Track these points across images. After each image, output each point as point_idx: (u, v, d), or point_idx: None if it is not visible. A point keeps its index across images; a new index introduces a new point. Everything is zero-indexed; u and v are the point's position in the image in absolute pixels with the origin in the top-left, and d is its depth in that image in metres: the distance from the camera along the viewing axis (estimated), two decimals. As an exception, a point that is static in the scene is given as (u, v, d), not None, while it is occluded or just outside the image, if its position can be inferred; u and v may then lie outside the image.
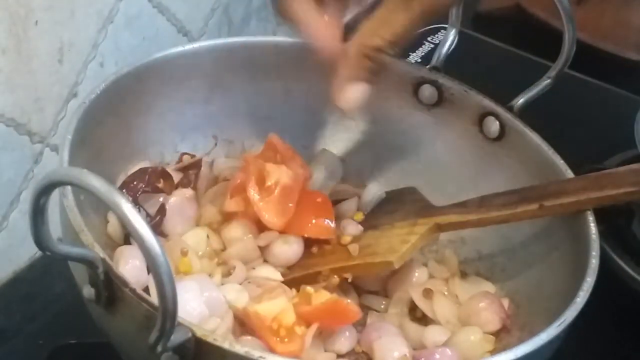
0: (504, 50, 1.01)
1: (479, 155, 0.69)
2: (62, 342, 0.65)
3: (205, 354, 0.45)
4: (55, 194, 0.42)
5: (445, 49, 0.70)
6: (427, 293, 0.63)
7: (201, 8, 0.85)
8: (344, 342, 0.59)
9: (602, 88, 0.97)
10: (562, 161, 0.63)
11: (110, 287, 0.47)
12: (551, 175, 0.63)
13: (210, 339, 0.45)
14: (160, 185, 0.64)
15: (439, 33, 0.98)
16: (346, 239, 0.65)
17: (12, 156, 0.68)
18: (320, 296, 0.57)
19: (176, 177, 0.66)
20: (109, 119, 0.61)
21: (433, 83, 0.69)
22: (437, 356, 0.57)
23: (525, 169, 0.65)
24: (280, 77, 0.70)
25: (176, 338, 0.43)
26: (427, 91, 0.70)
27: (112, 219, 0.61)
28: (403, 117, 0.71)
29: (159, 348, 0.43)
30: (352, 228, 0.66)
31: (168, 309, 0.41)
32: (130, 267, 0.55)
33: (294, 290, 0.60)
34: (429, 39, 0.98)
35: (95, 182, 0.40)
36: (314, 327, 0.56)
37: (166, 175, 0.65)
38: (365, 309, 0.64)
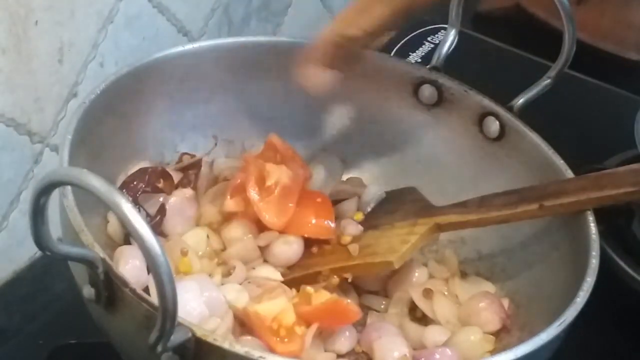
0: (504, 50, 1.01)
1: (479, 155, 0.69)
2: (62, 342, 0.65)
3: (205, 354, 0.45)
4: (55, 194, 0.42)
5: (445, 49, 0.70)
6: (427, 293, 0.63)
7: (201, 8, 0.85)
8: (344, 342, 0.59)
9: (602, 88, 0.97)
10: (562, 161, 0.63)
11: (110, 287, 0.47)
12: (551, 175, 0.63)
13: (210, 339, 0.45)
14: (160, 185, 0.64)
15: (439, 33, 0.98)
16: (346, 239, 0.65)
17: (12, 156, 0.68)
18: (320, 296, 0.57)
19: (176, 177, 0.66)
20: (109, 119, 0.61)
21: (433, 83, 0.69)
22: (437, 356, 0.57)
23: (525, 169, 0.65)
24: (280, 77, 0.70)
25: (176, 338, 0.43)
26: (427, 91, 0.70)
27: (112, 219, 0.61)
28: (403, 117, 0.71)
29: (159, 348, 0.43)
30: (352, 228, 0.66)
31: (168, 309, 0.41)
32: (130, 267, 0.55)
33: (294, 290, 0.60)
34: (429, 39, 0.98)
35: (95, 182, 0.40)
36: (314, 327, 0.56)
37: (166, 175, 0.65)
38: (365, 309, 0.64)
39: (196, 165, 0.68)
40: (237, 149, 0.72)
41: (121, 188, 0.62)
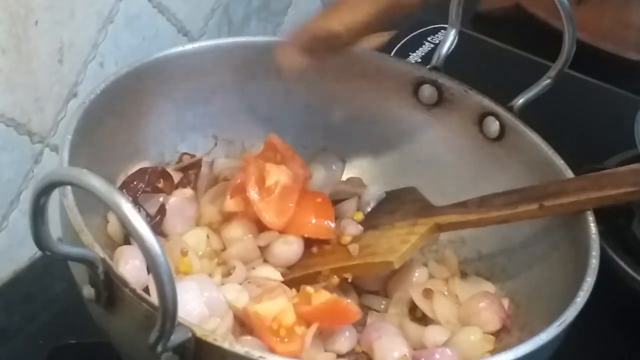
0: (504, 50, 1.01)
1: (479, 155, 0.69)
2: (62, 342, 0.65)
3: (205, 354, 0.45)
4: (55, 194, 0.42)
5: (445, 49, 0.70)
6: (427, 293, 0.63)
7: (201, 8, 0.85)
8: (344, 342, 0.59)
9: (602, 88, 0.97)
10: (562, 161, 0.63)
11: (110, 287, 0.47)
12: (551, 175, 0.63)
13: (210, 339, 0.45)
14: (160, 185, 0.64)
15: (439, 33, 0.98)
16: (346, 239, 0.65)
17: (12, 156, 0.68)
18: (320, 296, 0.57)
19: (176, 177, 0.66)
20: (109, 119, 0.61)
21: (433, 83, 0.69)
22: (437, 356, 0.57)
23: (525, 169, 0.65)
24: (280, 77, 0.70)
25: (176, 338, 0.43)
26: (427, 91, 0.70)
27: (112, 219, 0.61)
28: (403, 117, 0.71)
29: (159, 348, 0.43)
30: (352, 228, 0.66)
31: (168, 309, 0.41)
32: (130, 267, 0.55)
33: (294, 290, 0.60)
34: (429, 39, 0.98)
35: (95, 182, 0.40)
36: (314, 327, 0.56)
37: (166, 175, 0.65)
38: (365, 309, 0.64)
39: (196, 165, 0.68)
40: (237, 149, 0.72)
41: (121, 188, 0.62)
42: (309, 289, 0.58)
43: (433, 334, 0.60)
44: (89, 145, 0.59)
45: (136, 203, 0.62)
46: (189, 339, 0.44)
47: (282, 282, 0.62)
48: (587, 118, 0.92)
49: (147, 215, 0.63)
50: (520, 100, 0.67)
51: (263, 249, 0.63)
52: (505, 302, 0.63)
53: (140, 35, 0.77)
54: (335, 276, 0.62)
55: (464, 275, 0.67)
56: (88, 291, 0.48)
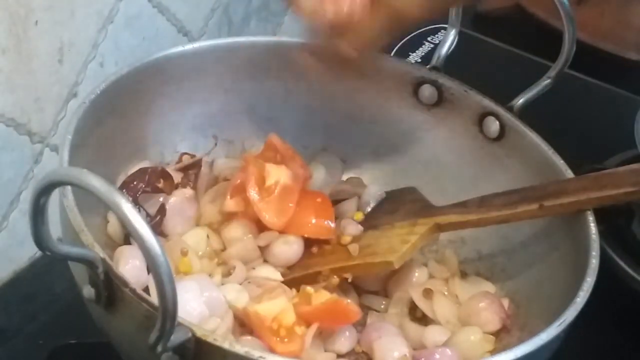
0: (504, 50, 1.01)
1: (479, 155, 0.69)
2: (62, 342, 0.65)
3: (205, 354, 0.45)
4: (55, 194, 0.42)
5: (445, 49, 0.70)
6: (427, 293, 0.63)
7: (201, 8, 0.85)
8: (344, 342, 0.59)
9: (602, 88, 0.97)
10: (562, 161, 0.63)
11: (110, 287, 0.47)
12: (551, 175, 0.63)
13: (210, 339, 0.45)
14: (160, 185, 0.64)
15: (439, 33, 0.98)
16: (346, 239, 0.65)
17: (12, 156, 0.68)
18: (320, 296, 0.57)
19: (176, 177, 0.66)
20: (109, 119, 0.61)
21: (433, 83, 0.69)
22: (437, 356, 0.57)
23: (525, 169, 0.65)
24: (280, 77, 0.70)
25: (176, 338, 0.43)
26: (427, 91, 0.70)
27: (112, 219, 0.61)
28: (403, 117, 0.71)
29: (159, 348, 0.43)
30: (352, 228, 0.66)
31: (168, 309, 0.41)
32: (130, 267, 0.55)
33: (294, 290, 0.60)
34: (429, 39, 0.98)
35: (95, 182, 0.40)
36: (314, 327, 0.56)
37: (166, 175, 0.65)
38: (365, 309, 0.64)
39: (196, 165, 0.68)
40: (237, 149, 0.72)
41: (121, 188, 0.62)
42: (309, 289, 0.58)
43: (433, 334, 0.60)
44: (89, 145, 0.59)
45: (136, 203, 0.62)
46: (189, 339, 0.44)
47: (282, 282, 0.62)
48: (587, 118, 0.92)
49: (147, 215, 0.63)
50: (520, 100, 0.67)
51: (263, 249, 0.63)
52: (505, 302, 0.63)
53: (140, 35, 0.77)
54: (335, 276, 0.62)
55: (464, 275, 0.67)
56: (88, 291, 0.48)
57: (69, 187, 0.51)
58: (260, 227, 0.63)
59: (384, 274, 0.65)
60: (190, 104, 0.69)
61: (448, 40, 0.70)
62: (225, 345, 0.45)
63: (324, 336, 0.58)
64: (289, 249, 0.63)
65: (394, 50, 0.94)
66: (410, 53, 0.96)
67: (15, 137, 0.68)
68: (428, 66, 0.70)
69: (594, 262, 0.55)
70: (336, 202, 0.69)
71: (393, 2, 0.56)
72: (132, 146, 0.66)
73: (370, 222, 0.67)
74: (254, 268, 0.63)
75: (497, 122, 0.67)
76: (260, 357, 0.45)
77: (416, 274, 0.65)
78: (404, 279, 0.65)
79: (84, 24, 0.70)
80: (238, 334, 0.57)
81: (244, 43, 0.70)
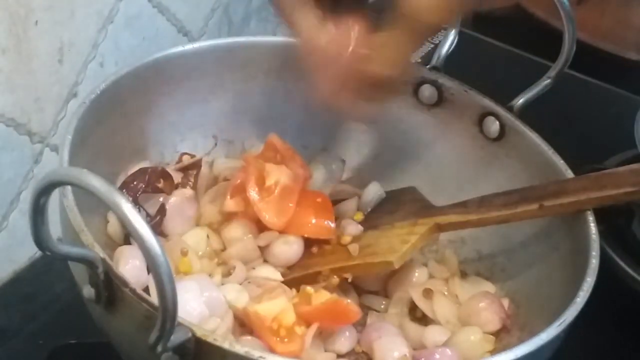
0: (504, 50, 1.01)
1: (479, 155, 0.69)
2: (62, 342, 0.65)
3: (205, 354, 0.45)
4: (55, 194, 0.42)
5: (445, 49, 0.70)
6: (427, 293, 0.63)
7: (201, 8, 0.85)
8: (344, 342, 0.59)
9: (602, 88, 0.97)
10: (562, 161, 0.63)
11: (110, 287, 0.47)
12: (551, 175, 0.63)
13: (210, 339, 0.45)
14: (160, 185, 0.64)
15: (439, 33, 0.98)
16: (346, 239, 0.65)
17: (12, 156, 0.68)
18: (320, 296, 0.57)
19: (176, 177, 0.66)
20: (109, 119, 0.61)
21: (433, 83, 0.69)
22: (437, 356, 0.57)
23: (525, 169, 0.65)
24: (280, 77, 0.70)
25: (176, 338, 0.43)
26: (427, 91, 0.70)
27: (112, 219, 0.61)
28: (403, 117, 0.71)
29: (159, 348, 0.43)
30: (352, 228, 0.66)
31: (168, 309, 0.41)
32: (130, 267, 0.55)
33: (294, 290, 0.60)
34: (429, 39, 0.98)
35: (95, 182, 0.40)
36: (314, 327, 0.56)
37: (166, 175, 0.65)
38: (365, 309, 0.64)
39: (196, 165, 0.68)
40: (237, 149, 0.72)
41: (121, 188, 0.62)
42: (309, 289, 0.58)
43: (433, 334, 0.60)
44: (89, 145, 0.59)
45: (136, 203, 0.62)
46: (189, 339, 0.44)
47: (282, 282, 0.62)
48: (587, 118, 0.92)
49: (147, 215, 0.63)
50: (520, 100, 0.67)
51: (263, 249, 0.63)
52: (505, 302, 0.63)
53: (140, 35, 0.77)
54: (335, 276, 0.62)
55: (464, 275, 0.67)
56: (88, 291, 0.48)
57: (69, 187, 0.51)
58: (260, 227, 0.63)
59: (384, 274, 0.65)
60: (190, 104, 0.69)
61: (448, 40, 0.70)
62: (225, 345, 0.45)
63: (324, 336, 0.58)
64: (289, 249, 0.63)
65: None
66: (410, 53, 0.96)
67: (15, 137, 0.68)
68: (428, 66, 0.70)
69: (594, 262, 0.55)
70: (336, 202, 0.68)
71: (415, 14, 0.55)
72: (132, 146, 0.66)
73: (370, 222, 0.67)
74: (254, 268, 0.63)
75: (497, 122, 0.67)
76: (260, 357, 0.45)
77: (416, 274, 0.65)
78: (404, 279, 0.65)
79: (84, 24, 0.70)
80: (238, 334, 0.57)
81: (244, 43, 0.70)
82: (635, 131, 0.68)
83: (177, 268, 0.60)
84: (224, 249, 0.64)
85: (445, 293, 0.64)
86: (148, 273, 0.55)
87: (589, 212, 0.58)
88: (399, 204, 0.68)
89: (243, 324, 0.57)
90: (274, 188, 0.63)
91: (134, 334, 0.47)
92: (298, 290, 0.59)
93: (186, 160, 0.68)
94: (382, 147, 0.72)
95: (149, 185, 0.63)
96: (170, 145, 0.69)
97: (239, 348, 0.45)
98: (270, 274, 0.62)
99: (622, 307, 0.71)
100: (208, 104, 0.69)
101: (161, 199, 0.64)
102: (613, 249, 0.70)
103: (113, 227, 0.61)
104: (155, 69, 0.65)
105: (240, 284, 0.60)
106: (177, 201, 0.64)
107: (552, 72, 0.67)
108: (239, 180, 0.64)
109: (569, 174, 0.62)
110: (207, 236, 0.64)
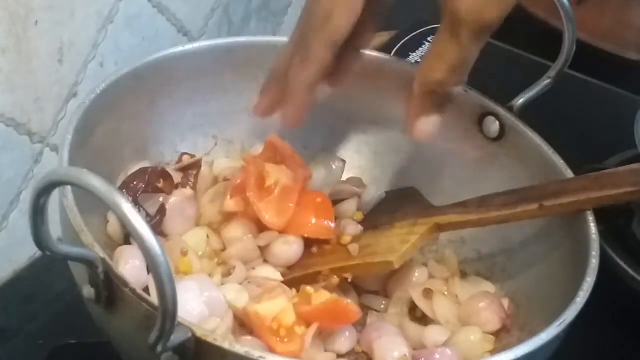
0: (504, 50, 1.01)
1: (479, 155, 0.68)
2: (62, 342, 0.65)
3: (205, 354, 0.45)
4: (55, 194, 0.42)
5: (445, 49, 0.70)
6: (427, 293, 0.63)
7: (201, 8, 0.85)
8: (344, 342, 0.59)
9: (602, 88, 0.97)
10: (562, 161, 0.63)
11: (110, 287, 0.47)
12: (551, 175, 0.63)
13: (210, 339, 0.45)
14: (160, 185, 0.64)
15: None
16: (346, 239, 0.65)
17: (12, 156, 0.68)
18: (320, 296, 0.57)
19: (176, 177, 0.66)
20: (109, 119, 0.61)
21: (433, 83, 0.69)
22: (437, 356, 0.56)
23: (525, 169, 0.65)
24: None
25: (176, 338, 0.43)
26: (427, 91, 0.70)
27: (112, 219, 0.61)
28: (403, 117, 0.71)
29: (159, 348, 0.43)
30: (352, 228, 0.66)
31: (168, 309, 0.41)
32: (130, 267, 0.55)
33: (294, 290, 0.60)
34: (429, 39, 0.98)
35: (95, 182, 0.40)
36: (314, 327, 0.56)
37: (166, 175, 0.65)
38: (365, 309, 0.64)
39: (196, 165, 0.68)
40: (237, 149, 0.72)
41: (121, 188, 0.62)
42: (309, 289, 0.58)
43: (433, 334, 0.60)
44: (89, 145, 0.59)
45: (136, 203, 0.62)
46: (189, 339, 0.44)
47: (282, 282, 0.62)
48: (587, 118, 0.92)
49: (147, 215, 0.63)
50: (520, 100, 0.67)
51: (263, 249, 0.63)
52: (505, 302, 0.63)
53: (140, 35, 0.77)
54: (335, 276, 0.62)
55: (464, 275, 0.67)
56: (88, 291, 0.48)
57: (69, 187, 0.51)
58: (260, 227, 0.63)
59: (384, 274, 0.65)
60: (190, 104, 0.69)
61: (448, 40, 0.70)
62: (225, 345, 0.45)
63: (324, 336, 0.58)
64: (289, 249, 0.63)
65: (394, 50, 0.94)
66: (410, 53, 0.96)
67: (15, 137, 0.68)
68: (428, 66, 0.70)
69: (594, 262, 0.55)
70: (336, 202, 0.68)
71: (471, 15, 0.55)
72: (132, 146, 0.66)
73: (370, 222, 0.67)
74: (254, 268, 0.63)
75: (497, 122, 0.67)
76: (260, 357, 0.45)
77: (416, 274, 0.65)
78: (404, 279, 0.65)
79: (84, 24, 0.70)
80: (238, 334, 0.57)
81: (244, 43, 0.70)
82: (635, 131, 0.68)
83: (177, 268, 0.60)
84: (224, 249, 0.64)
85: (445, 293, 0.64)
86: (148, 273, 0.55)
87: (589, 212, 0.58)
88: (399, 204, 0.68)
89: (243, 324, 0.57)
90: (274, 188, 0.63)
91: (134, 334, 0.47)
92: (298, 290, 0.59)
93: (186, 160, 0.68)
94: (382, 147, 0.72)
95: (149, 185, 0.63)
96: (170, 145, 0.69)
97: (239, 348, 0.45)
98: (270, 274, 0.62)
99: (622, 307, 0.71)
100: (208, 104, 0.69)
101: (161, 199, 0.64)
102: (613, 249, 0.70)
103: (113, 227, 0.61)
104: (155, 69, 0.65)
105: (240, 284, 0.60)
106: (177, 201, 0.64)
107: (552, 72, 0.67)
108: (239, 180, 0.64)
109: (569, 174, 0.62)
110: (207, 236, 0.64)
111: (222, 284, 0.60)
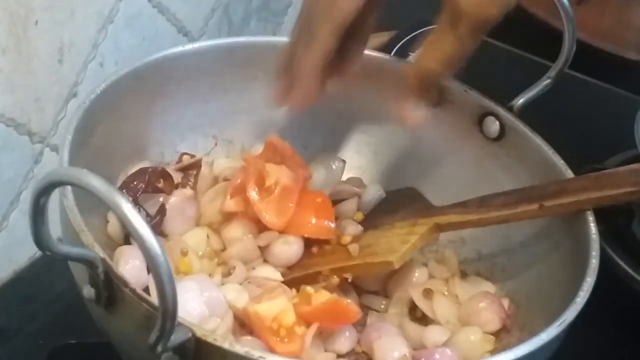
0: (504, 50, 1.01)
1: (479, 155, 0.69)
2: (62, 342, 0.65)
3: (205, 354, 0.45)
4: (55, 194, 0.42)
5: (445, 49, 0.70)
6: (427, 293, 0.63)
7: (201, 8, 0.85)
8: (344, 342, 0.59)
9: (602, 88, 0.97)
10: (562, 161, 0.63)
11: (110, 287, 0.47)
12: (551, 175, 0.63)
13: (210, 339, 0.45)
14: (160, 185, 0.64)
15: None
16: (346, 239, 0.65)
17: (12, 156, 0.68)
18: (320, 296, 0.57)
19: (176, 177, 0.66)
20: (109, 119, 0.61)
21: (433, 83, 0.69)
22: (437, 356, 0.56)
23: (525, 169, 0.65)
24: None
25: (176, 338, 0.43)
26: (427, 91, 0.70)
27: (112, 219, 0.61)
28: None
29: (159, 348, 0.43)
30: (352, 228, 0.66)
31: (168, 309, 0.41)
32: (130, 267, 0.55)
33: (294, 290, 0.60)
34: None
35: (95, 182, 0.40)
36: (314, 327, 0.56)
37: (166, 175, 0.65)
38: (365, 309, 0.64)
39: (196, 165, 0.68)
40: (237, 149, 0.72)
41: (121, 188, 0.62)
42: (309, 289, 0.58)
43: (433, 334, 0.60)
44: (89, 145, 0.59)
45: (136, 203, 0.62)
46: (189, 339, 0.44)
47: (282, 282, 0.62)
48: (587, 118, 0.92)
49: (147, 215, 0.63)
50: (520, 100, 0.67)
51: (263, 249, 0.63)
52: (505, 302, 0.63)
53: (140, 35, 0.77)
54: (335, 276, 0.62)
55: (464, 275, 0.67)
56: (88, 291, 0.48)
57: (69, 187, 0.51)
58: (260, 227, 0.63)
59: (384, 274, 0.65)
60: (190, 104, 0.69)
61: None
62: (225, 345, 0.45)
63: (324, 336, 0.58)
64: (289, 249, 0.63)
65: (394, 50, 0.94)
66: (410, 53, 0.96)
67: (15, 137, 0.68)
68: (428, 66, 0.70)
69: (594, 262, 0.55)
70: (336, 202, 0.69)
71: (471, 9, 0.55)
72: (132, 146, 0.66)
73: (370, 222, 0.67)
74: (254, 268, 0.63)
75: (497, 122, 0.67)
76: (260, 357, 0.45)
77: (416, 274, 0.65)
78: (404, 279, 0.65)
79: (84, 24, 0.70)
80: (238, 334, 0.57)
81: (244, 43, 0.70)
82: (635, 131, 0.68)
83: (177, 268, 0.60)
84: (224, 249, 0.64)
85: (445, 293, 0.64)
86: (148, 273, 0.55)
87: (589, 212, 0.58)
88: (399, 204, 0.68)
89: (243, 324, 0.57)
90: (274, 188, 0.63)
91: (134, 334, 0.47)
92: (298, 290, 0.59)
93: (186, 160, 0.68)
94: (382, 147, 0.72)
95: (149, 185, 0.63)
96: (170, 145, 0.69)
97: (239, 348, 0.45)
98: (270, 274, 0.62)
99: (622, 307, 0.71)
100: (208, 104, 0.69)
101: (161, 199, 0.64)
102: (613, 249, 0.70)
103: (113, 227, 0.61)
104: (155, 69, 0.65)
105: (240, 284, 0.60)
106: (177, 201, 0.64)
107: (552, 72, 0.67)
108: (239, 180, 0.64)
109: (569, 174, 0.62)
110: (207, 236, 0.64)
111: (222, 284, 0.60)
